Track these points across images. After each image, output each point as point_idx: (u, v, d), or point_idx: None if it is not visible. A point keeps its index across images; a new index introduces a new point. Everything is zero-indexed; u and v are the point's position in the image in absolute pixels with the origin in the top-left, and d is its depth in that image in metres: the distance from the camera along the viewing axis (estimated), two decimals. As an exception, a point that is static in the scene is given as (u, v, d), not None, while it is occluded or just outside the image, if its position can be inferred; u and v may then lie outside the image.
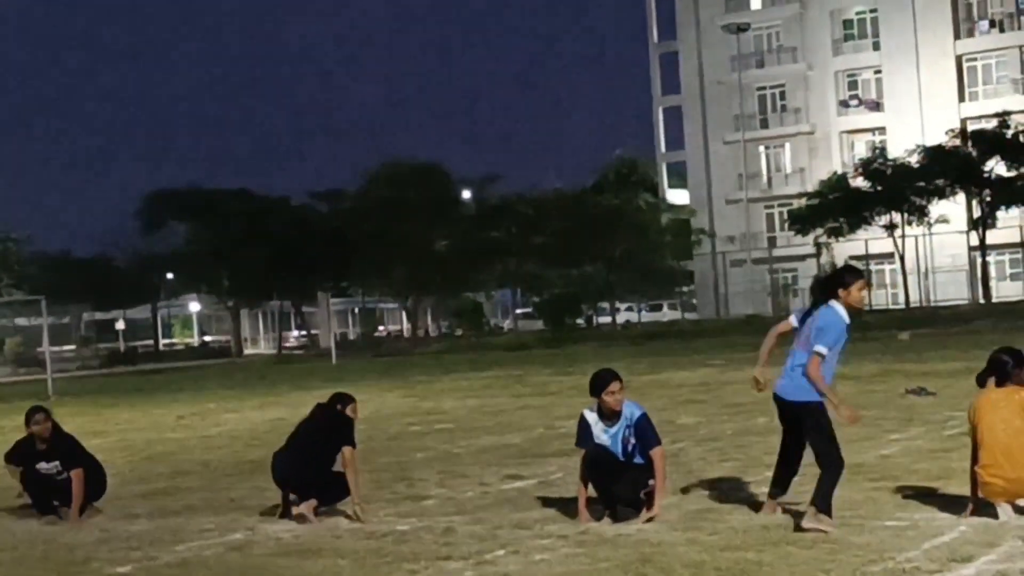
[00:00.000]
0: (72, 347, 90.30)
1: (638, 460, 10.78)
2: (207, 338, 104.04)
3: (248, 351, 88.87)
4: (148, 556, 10.75)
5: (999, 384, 10.19)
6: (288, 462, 11.94)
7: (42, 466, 12.89)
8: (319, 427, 12.00)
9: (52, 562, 10.78)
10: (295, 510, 11.82)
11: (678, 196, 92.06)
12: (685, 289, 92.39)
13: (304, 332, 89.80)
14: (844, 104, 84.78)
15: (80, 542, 11.61)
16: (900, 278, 70.66)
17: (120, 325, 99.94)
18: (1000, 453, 9.85)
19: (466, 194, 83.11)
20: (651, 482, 10.67)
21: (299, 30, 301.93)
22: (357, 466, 11.85)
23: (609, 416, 10.83)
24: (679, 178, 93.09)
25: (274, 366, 57.85)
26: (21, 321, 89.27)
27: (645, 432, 10.81)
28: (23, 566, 10.73)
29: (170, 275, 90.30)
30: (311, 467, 11.72)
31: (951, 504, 10.56)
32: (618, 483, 10.70)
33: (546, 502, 12.07)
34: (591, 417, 10.94)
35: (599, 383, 10.83)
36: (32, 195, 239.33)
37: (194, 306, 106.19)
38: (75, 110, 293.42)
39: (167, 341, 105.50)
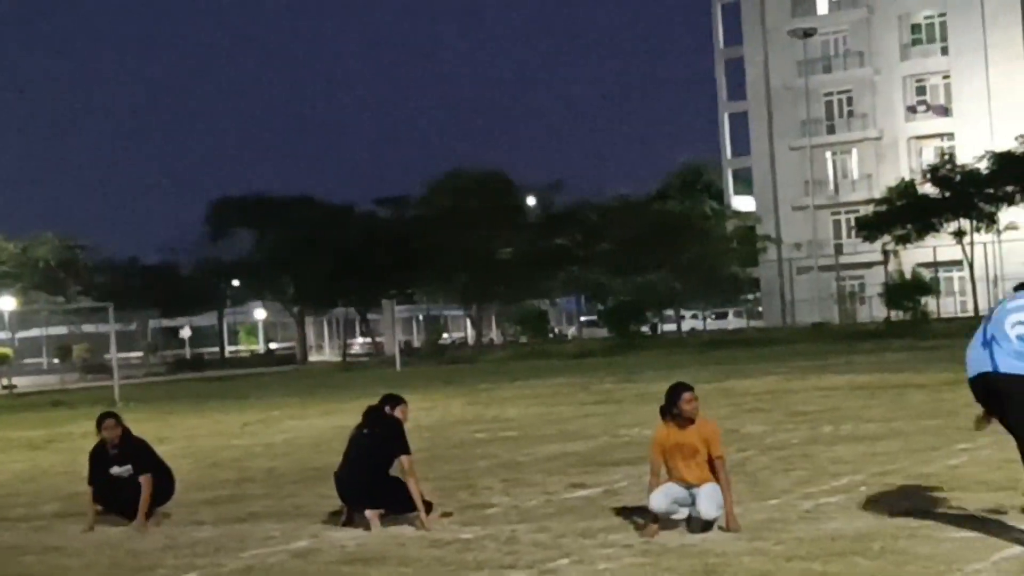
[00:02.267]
0: (139, 354, 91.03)
1: None
2: (272, 345, 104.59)
3: (313, 358, 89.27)
4: (213, 563, 10.80)
5: None
6: (348, 481, 11.93)
7: (115, 470, 13.00)
8: (372, 436, 11.96)
9: (119, 568, 10.85)
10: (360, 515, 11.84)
11: (744, 203, 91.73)
12: (751, 297, 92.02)
13: (369, 339, 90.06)
14: (912, 109, 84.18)
15: (146, 548, 11.69)
16: (969, 286, 69.99)
17: (186, 332, 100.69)
18: None
19: (531, 201, 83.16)
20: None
21: (368, 35, 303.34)
22: (416, 473, 11.85)
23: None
24: (745, 184, 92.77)
25: (339, 373, 58.08)
26: (88, 328, 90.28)
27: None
28: (90, 573, 10.80)
29: (236, 282, 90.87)
30: (372, 481, 11.72)
31: (1020, 516, 10.41)
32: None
33: (610, 511, 12.01)
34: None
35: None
36: (100, 202, 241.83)
37: (259, 313, 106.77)
38: (142, 117, 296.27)
39: (232, 348, 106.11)
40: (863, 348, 44.85)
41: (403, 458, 11.69)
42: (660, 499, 10.67)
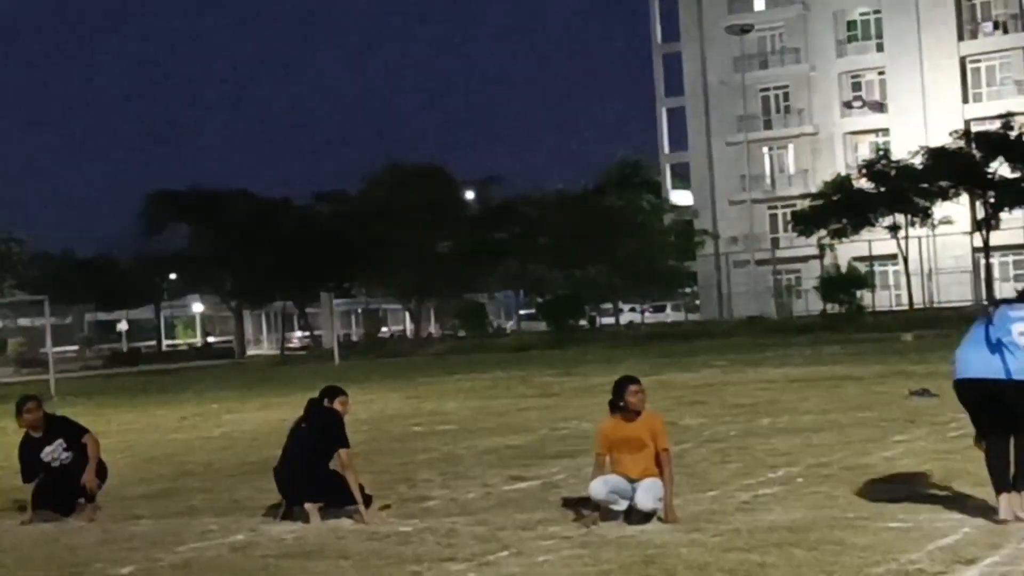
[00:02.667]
0: (75, 348, 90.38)
1: None
2: (210, 339, 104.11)
3: (251, 352, 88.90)
4: (150, 557, 10.74)
5: None
6: (287, 474, 11.88)
7: (46, 452, 12.88)
8: (311, 429, 11.92)
9: (55, 562, 10.76)
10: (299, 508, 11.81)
11: (681, 197, 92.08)
12: (688, 290, 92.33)
13: (307, 333, 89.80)
14: (847, 105, 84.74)
15: (82, 543, 11.61)
16: (904, 279, 70.55)
17: (123, 326, 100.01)
18: None
19: (469, 195, 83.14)
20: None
21: (301, 30, 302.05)
22: (355, 466, 11.83)
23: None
24: (682, 179, 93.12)
25: (277, 367, 57.89)
26: (24, 321, 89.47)
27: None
28: (26, 567, 10.72)
29: (173, 275, 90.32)
30: (311, 474, 11.69)
31: (955, 505, 10.54)
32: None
33: (549, 503, 12.05)
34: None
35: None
36: (34, 195, 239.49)
37: (197, 307, 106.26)
38: (77, 109, 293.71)
39: (170, 342, 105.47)
40: (799, 341, 45.17)
41: (341, 451, 11.66)
42: (600, 487, 10.72)
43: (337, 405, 12.05)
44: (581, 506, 11.32)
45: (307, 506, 11.67)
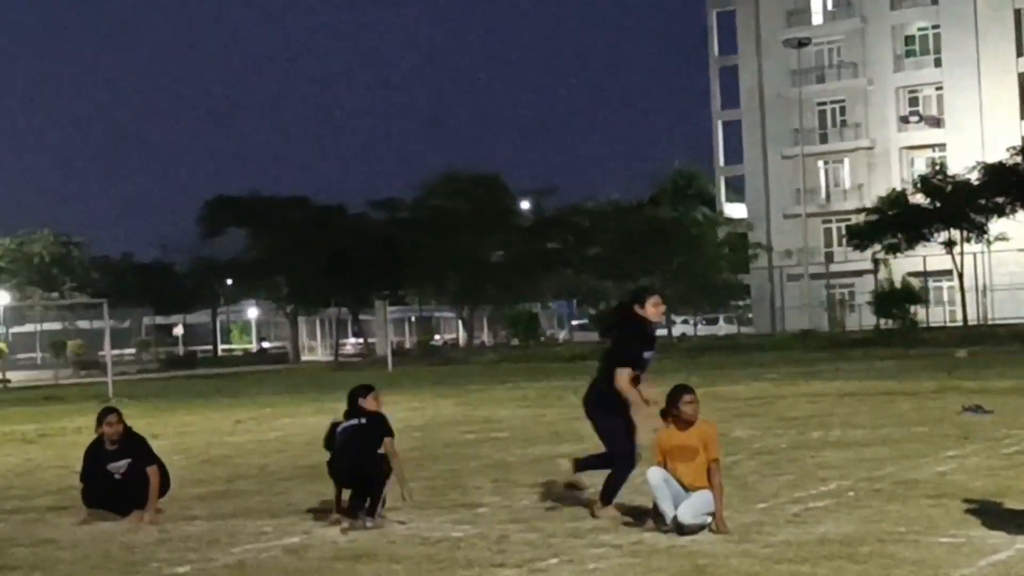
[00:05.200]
0: (132, 350, 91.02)
1: None
2: (265, 344, 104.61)
3: (305, 357, 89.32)
4: (205, 557, 10.87)
5: None
6: (343, 468, 12.10)
7: (111, 466, 13.02)
8: (358, 427, 12.19)
9: (112, 561, 10.91)
10: (344, 523, 11.94)
11: (736, 210, 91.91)
12: (741, 303, 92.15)
13: (361, 339, 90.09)
14: (904, 120, 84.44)
15: (139, 542, 11.75)
16: (958, 295, 70.16)
17: (179, 330, 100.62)
18: None
19: (524, 205, 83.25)
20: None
21: (363, 38, 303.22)
22: (398, 453, 12.15)
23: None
24: (737, 192, 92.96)
25: (331, 373, 58.09)
26: (83, 324, 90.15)
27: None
28: (83, 565, 10.87)
29: (229, 281, 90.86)
30: (362, 463, 11.92)
31: (1007, 522, 10.51)
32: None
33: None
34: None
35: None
36: (95, 199, 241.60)
37: (252, 312, 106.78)
38: (140, 115, 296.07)
39: (225, 346, 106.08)
40: (852, 356, 44.98)
41: (386, 440, 12.01)
42: (658, 474, 10.79)
43: (371, 400, 12.27)
44: (631, 516, 11.38)
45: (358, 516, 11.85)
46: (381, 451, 12.01)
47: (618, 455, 11.68)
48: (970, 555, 9.42)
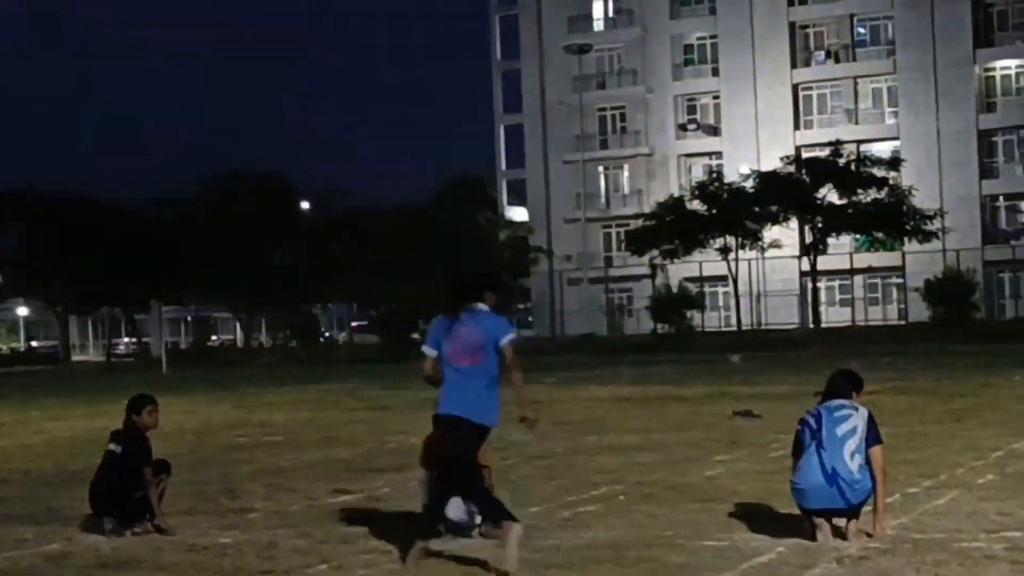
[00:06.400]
0: None
1: None
2: (34, 343, 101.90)
3: (76, 357, 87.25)
4: (-40, 566, 10.48)
5: None
6: (101, 497, 11.59)
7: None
8: (123, 451, 11.59)
9: None
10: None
11: (518, 213, 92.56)
12: (522, 306, 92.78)
13: (134, 340, 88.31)
14: (683, 128, 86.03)
15: None
16: (733, 301, 71.66)
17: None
18: None
19: (304, 206, 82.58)
20: None
21: (154, 35, 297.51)
22: (154, 484, 11.47)
23: None
24: (519, 196, 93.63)
25: (102, 374, 56.88)
26: None
27: None
28: None
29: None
30: (122, 494, 11.41)
31: (772, 525, 10.71)
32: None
33: (372, 517, 12.00)
34: None
35: None
36: None
37: (21, 311, 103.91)
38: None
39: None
40: (629, 360, 45.67)
41: (145, 470, 11.36)
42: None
43: (146, 416, 11.69)
44: (404, 520, 11.31)
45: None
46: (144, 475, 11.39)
47: None
48: (734, 558, 9.58)
